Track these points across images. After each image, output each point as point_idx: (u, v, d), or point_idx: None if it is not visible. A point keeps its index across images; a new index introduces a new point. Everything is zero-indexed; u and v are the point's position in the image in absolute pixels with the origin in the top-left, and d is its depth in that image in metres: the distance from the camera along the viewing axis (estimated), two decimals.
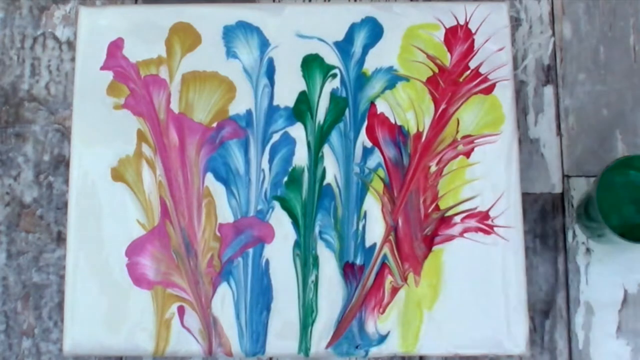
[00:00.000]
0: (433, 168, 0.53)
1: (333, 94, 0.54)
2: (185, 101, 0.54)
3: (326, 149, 0.54)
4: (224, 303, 0.52)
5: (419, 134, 0.54)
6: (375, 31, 0.55)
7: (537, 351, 0.55)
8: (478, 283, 0.52)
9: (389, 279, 0.52)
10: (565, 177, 0.57)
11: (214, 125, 0.54)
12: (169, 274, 0.52)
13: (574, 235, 0.56)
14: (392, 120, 0.54)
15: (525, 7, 0.60)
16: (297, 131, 0.54)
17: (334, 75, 0.54)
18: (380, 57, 0.55)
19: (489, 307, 0.51)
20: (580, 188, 0.57)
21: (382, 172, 0.53)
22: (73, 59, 0.58)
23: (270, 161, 0.54)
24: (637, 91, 0.58)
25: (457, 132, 0.54)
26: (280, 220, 0.53)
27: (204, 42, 0.55)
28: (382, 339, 0.51)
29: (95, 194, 0.53)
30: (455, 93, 0.54)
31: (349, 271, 0.52)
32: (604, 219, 0.49)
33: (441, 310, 0.52)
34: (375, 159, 0.54)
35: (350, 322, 0.52)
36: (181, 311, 0.52)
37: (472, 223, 0.53)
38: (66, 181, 0.57)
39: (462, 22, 0.55)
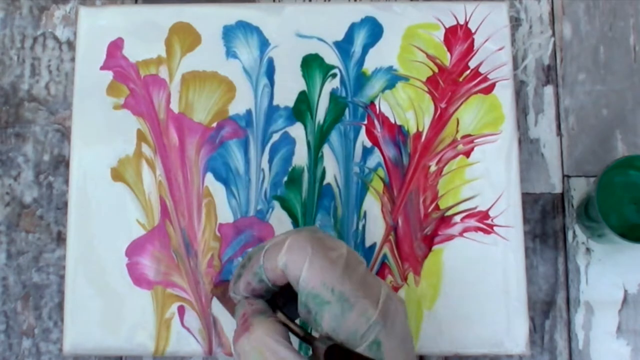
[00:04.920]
0: (433, 168, 0.53)
1: (333, 94, 0.54)
2: (185, 101, 0.54)
3: (326, 149, 0.54)
4: None
5: (418, 134, 0.54)
6: (375, 31, 0.55)
7: (537, 351, 0.55)
8: (478, 283, 0.52)
9: (388, 279, 0.52)
10: (565, 177, 0.57)
11: (214, 125, 0.54)
12: (169, 274, 0.52)
13: (574, 235, 0.56)
14: (392, 120, 0.54)
15: (525, 7, 0.60)
16: (297, 131, 0.54)
17: (334, 75, 0.55)
18: (380, 56, 0.55)
19: (489, 307, 0.51)
20: (580, 188, 0.57)
21: (382, 172, 0.53)
22: (73, 59, 0.58)
23: (270, 161, 0.54)
24: (637, 91, 0.58)
25: (457, 131, 0.54)
26: (280, 220, 0.53)
27: (204, 42, 0.55)
28: None
29: (95, 194, 0.53)
30: (455, 93, 0.54)
31: None
32: (604, 219, 0.49)
33: (441, 310, 0.52)
34: (375, 158, 0.54)
35: None
36: (181, 311, 0.52)
37: (472, 223, 0.53)
38: (66, 181, 0.57)
39: (461, 22, 0.55)
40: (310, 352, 0.39)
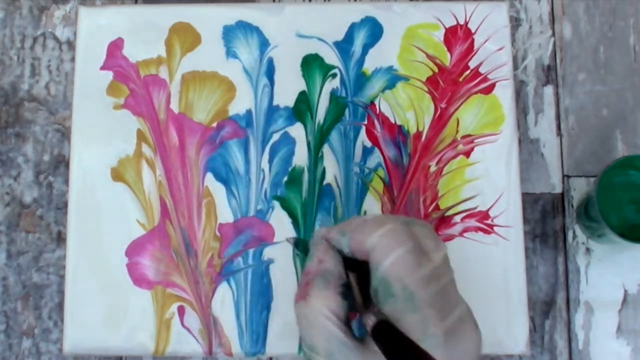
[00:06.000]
0: (433, 168, 0.53)
1: (333, 94, 0.54)
2: (185, 101, 0.54)
3: (326, 149, 0.54)
4: (224, 303, 0.52)
5: (418, 134, 0.54)
6: (375, 31, 0.55)
7: (537, 351, 0.55)
8: (478, 283, 0.52)
9: None
10: (565, 177, 0.57)
11: (214, 125, 0.54)
12: (169, 273, 0.52)
13: (574, 235, 0.56)
14: (392, 120, 0.54)
15: (525, 7, 0.60)
16: (297, 131, 0.54)
17: (334, 75, 0.55)
18: (380, 56, 0.55)
19: (489, 307, 0.51)
20: (580, 188, 0.57)
21: (382, 172, 0.53)
22: (73, 59, 0.58)
23: (270, 161, 0.54)
24: (637, 91, 0.58)
25: (457, 131, 0.54)
26: (280, 220, 0.53)
27: (204, 42, 0.55)
28: None
29: (95, 194, 0.53)
30: (455, 93, 0.54)
31: None
32: (604, 219, 0.49)
33: None
34: (375, 158, 0.54)
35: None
36: (181, 311, 0.52)
37: (472, 223, 0.53)
38: (66, 181, 0.57)
39: (461, 22, 0.55)
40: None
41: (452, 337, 0.37)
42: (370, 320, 0.37)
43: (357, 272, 0.41)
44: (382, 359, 0.36)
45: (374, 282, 0.38)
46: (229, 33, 0.55)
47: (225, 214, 0.53)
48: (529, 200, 0.57)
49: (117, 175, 0.54)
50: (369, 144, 0.54)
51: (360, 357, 0.38)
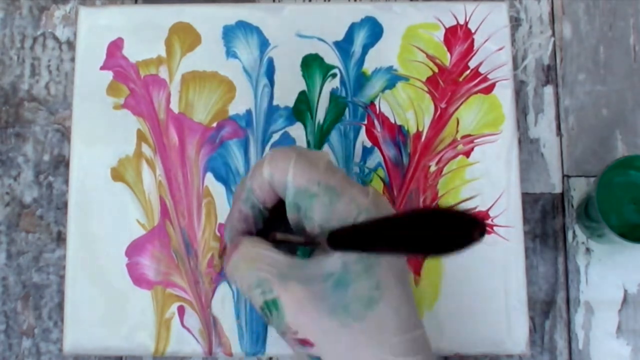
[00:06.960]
0: (433, 168, 0.53)
1: (333, 94, 0.54)
2: (185, 101, 0.54)
3: (326, 149, 0.54)
4: (224, 303, 0.52)
5: (418, 134, 0.54)
6: (375, 31, 0.55)
7: (537, 351, 0.55)
8: (478, 283, 0.52)
9: None
10: (565, 177, 0.57)
11: (214, 125, 0.54)
12: (169, 273, 0.52)
13: (574, 235, 0.56)
14: (392, 120, 0.54)
15: (525, 7, 0.60)
16: (297, 131, 0.54)
17: (334, 75, 0.55)
18: (380, 56, 0.55)
19: (489, 307, 0.51)
20: (580, 188, 0.57)
21: (381, 172, 0.53)
22: (73, 59, 0.58)
23: None
24: (637, 91, 0.58)
25: (457, 131, 0.54)
26: None
27: (204, 42, 0.55)
28: None
29: (95, 194, 0.53)
30: (455, 93, 0.54)
31: None
32: (604, 219, 0.49)
33: (441, 310, 0.52)
34: (375, 158, 0.54)
35: None
36: (181, 311, 0.52)
37: None
38: (66, 181, 0.57)
39: (461, 22, 0.55)
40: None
41: (379, 208, 0.40)
42: (323, 241, 0.38)
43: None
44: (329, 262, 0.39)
45: (290, 199, 0.40)
46: (229, 33, 0.55)
47: (225, 214, 0.53)
48: (529, 200, 0.57)
49: (117, 175, 0.54)
50: (369, 144, 0.54)
51: (315, 264, 0.39)
